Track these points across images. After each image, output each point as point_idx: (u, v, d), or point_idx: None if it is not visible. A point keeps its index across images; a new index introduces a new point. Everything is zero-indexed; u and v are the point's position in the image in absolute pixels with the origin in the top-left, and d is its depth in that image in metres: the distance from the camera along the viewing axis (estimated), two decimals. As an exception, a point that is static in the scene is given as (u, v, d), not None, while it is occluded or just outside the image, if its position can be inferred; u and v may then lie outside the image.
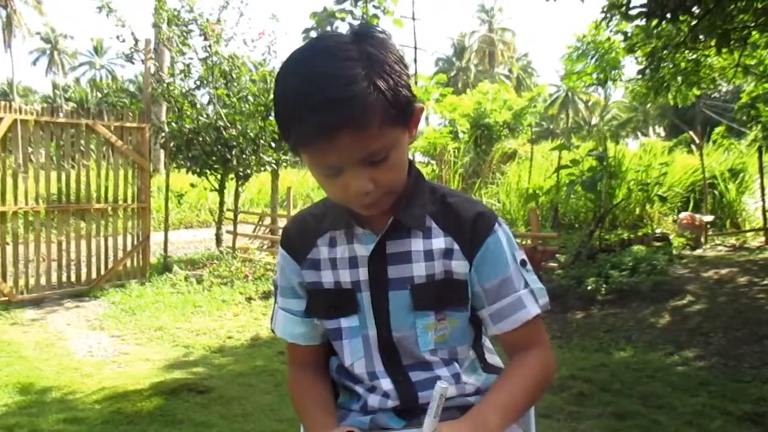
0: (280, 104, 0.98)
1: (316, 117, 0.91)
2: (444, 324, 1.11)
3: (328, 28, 5.79)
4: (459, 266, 1.10)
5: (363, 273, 1.11)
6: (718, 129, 13.98)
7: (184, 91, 7.69)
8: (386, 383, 1.12)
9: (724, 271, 6.29)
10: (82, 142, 6.71)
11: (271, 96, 7.67)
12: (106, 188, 6.87)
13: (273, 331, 1.24)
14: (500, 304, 1.11)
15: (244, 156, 7.80)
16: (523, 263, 1.13)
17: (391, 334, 1.11)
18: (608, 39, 9.61)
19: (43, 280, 6.37)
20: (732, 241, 8.62)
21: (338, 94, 0.90)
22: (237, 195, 8.55)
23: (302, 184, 16.39)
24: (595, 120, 43.47)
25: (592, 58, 10.55)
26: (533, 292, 1.12)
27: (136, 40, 7.42)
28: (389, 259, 1.10)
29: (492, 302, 1.11)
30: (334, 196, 1.04)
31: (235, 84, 7.69)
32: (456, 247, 1.10)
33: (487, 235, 1.10)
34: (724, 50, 6.56)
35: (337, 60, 0.93)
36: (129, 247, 7.04)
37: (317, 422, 1.11)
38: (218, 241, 8.47)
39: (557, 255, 6.70)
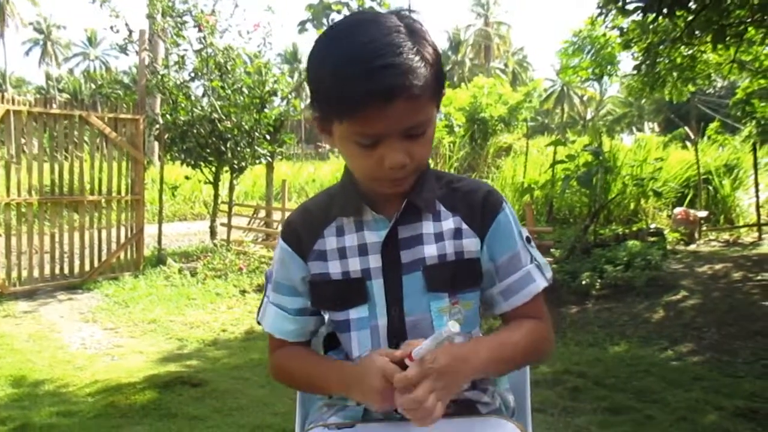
0: (328, 70, 0.96)
1: (376, 81, 0.91)
2: (458, 308, 1.11)
3: (324, 21, 5.76)
4: (470, 244, 1.11)
5: (374, 260, 1.10)
6: (713, 125, 14.01)
7: (178, 82, 7.64)
8: None
9: (718, 267, 6.31)
10: (76, 133, 6.66)
11: (267, 88, 7.73)
12: (100, 180, 6.83)
13: (259, 323, 1.23)
14: (510, 279, 1.14)
15: (238, 148, 7.76)
16: (528, 239, 1.18)
17: (403, 321, 1.10)
18: (604, 34, 9.61)
19: (36, 273, 6.34)
20: (726, 236, 8.65)
21: (397, 60, 0.92)
22: (231, 187, 8.51)
23: (297, 177, 16.35)
24: (590, 115, 43.51)
25: (587, 53, 10.55)
26: (539, 266, 1.17)
27: (130, 31, 7.37)
28: (402, 244, 1.10)
29: (503, 278, 1.14)
30: (366, 170, 1.03)
31: (230, 76, 7.64)
32: (464, 226, 1.12)
33: (497, 212, 1.13)
34: (719, 46, 6.55)
35: (386, 29, 0.95)
36: (123, 240, 7.00)
37: (335, 366, 1.12)
38: (212, 233, 8.44)
39: (552, 249, 6.70)
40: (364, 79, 0.91)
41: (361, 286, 1.10)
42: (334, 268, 1.12)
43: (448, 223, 1.12)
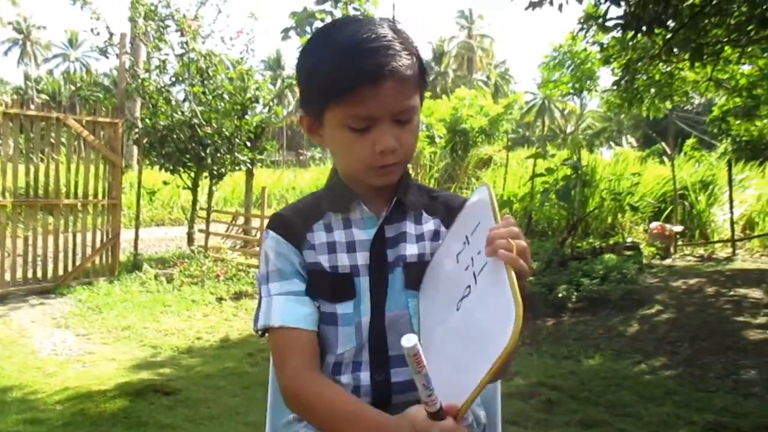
0: (319, 60, 1.03)
1: (366, 60, 0.98)
2: None
3: (308, 28, 5.76)
4: None
5: (362, 257, 1.12)
6: (690, 141, 14.25)
7: (159, 87, 7.59)
8: (365, 377, 1.09)
9: (692, 281, 6.39)
10: (53, 135, 6.57)
11: (248, 94, 7.70)
12: (76, 183, 6.74)
13: (259, 333, 1.10)
14: None
15: (218, 154, 7.71)
16: None
17: (384, 318, 1.10)
18: (584, 50, 9.76)
19: (7, 276, 6.22)
20: (701, 251, 8.77)
21: (385, 44, 1.00)
22: (210, 193, 8.45)
23: (277, 185, 16.27)
24: (570, 128, 43.96)
25: (568, 67, 10.71)
26: None
27: (111, 34, 7.31)
28: (388, 243, 1.13)
29: None
30: (357, 157, 1.06)
31: (211, 81, 7.60)
32: (443, 228, 1.17)
33: None
34: (697, 64, 6.68)
35: (372, 25, 1.03)
36: (98, 244, 6.91)
37: (380, 417, 0.98)
38: (190, 239, 8.36)
39: (530, 262, 6.73)
40: (354, 60, 0.99)
41: (350, 282, 1.11)
42: (324, 262, 1.12)
43: (429, 225, 1.17)
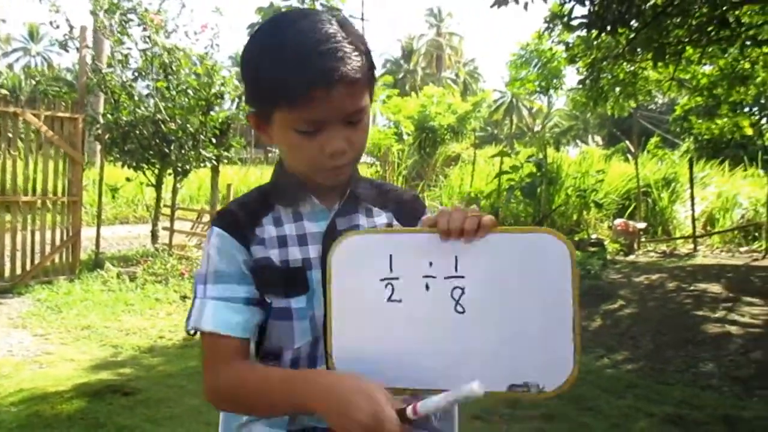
0: (268, 60, 0.98)
1: (317, 65, 0.95)
2: None
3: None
4: None
5: (314, 250, 1.10)
6: (653, 139, 14.51)
7: (122, 81, 7.43)
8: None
9: (654, 277, 6.51)
10: (11, 130, 6.39)
11: (213, 90, 7.60)
12: (35, 180, 6.57)
13: (190, 333, 1.09)
14: None
15: (183, 151, 7.59)
16: None
17: None
18: (550, 49, 9.84)
19: (-38, 275, 6.04)
20: (663, 247, 8.94)
21: (334, 46, 0.96)
22: (175, 191, 8.32)
23: (243, 182, 16.10)
24: (537, 127, 44.46)
25: (534, 66, 10.79)
26: None
27: (71, 27, 7.13)
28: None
29: None
30: (306, 160, 1.04)
31: (175, 77, 7.48)
32: (395, 222, 1.18)
33: (424, 212, 1.21)
34: (659, 64, 6.79)
35: (320, 23, 0.99)
36: (58, 242, 6.75)
37: (297, 372, 1.02)
38: (154, 237, 8.22)
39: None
40: (305, 64, 0.95)
41: (303, 275, 1.09)
42: (275, 256, 1.09)
43: (381, 218, 1.18)
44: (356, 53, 0.99)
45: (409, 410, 0.87)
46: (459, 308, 0.95)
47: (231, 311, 1.06)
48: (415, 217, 1.19)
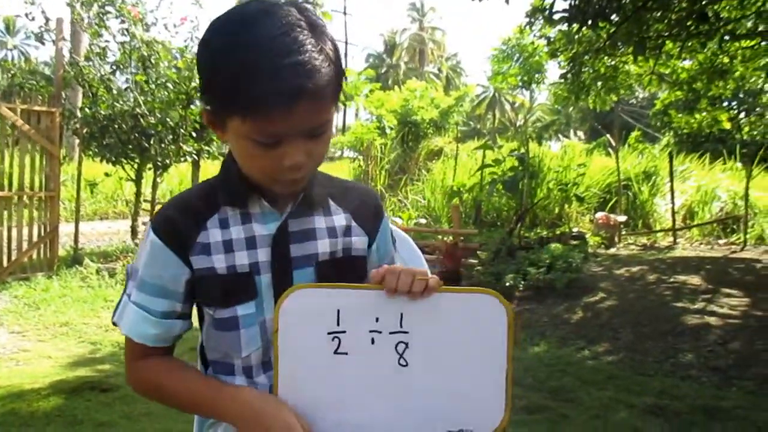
0: (230, 64, 0.90)
1: (283, 80, 0.87)
2: None
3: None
4: (359, 242, 1.13)
5: (263, 254, 1.05)
6: (634, 134, 14.63)
7: (100, 75, 7.32)
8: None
9: (635, 269, 6.56)
10: (-15, 125, 6.27)
11: (194, 84, 7.52)
12: (11, 175, 6.45)
13: (115, 324, 1.10)
14: None
15: (162, 145, 7.50)
16: (394, 240, 1.25)
17: None
18: (532, 43, 9.86)
19: (-63, 272, 5.93)
20: (644, 240, 9.02)
21: (303, 59, 0.88)
22: (155, 185, 8.23)
23: (227, 177, 15.89)
24: (520, 121, 44.64)
25: (516, 60, 10.81)
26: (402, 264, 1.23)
27: (47, 19, 7.01)
28: (292, 238, 1.07)
29: None
30: (262, 170, 0.98)
31: (154, 70, 7.38)
32: (354, 223, 1.13)
33: (383, 215, 1.20)
34: (640, 58, 6.83)
35: (288, 25, 0.90)
36: (35, 238, 6.64)
37: (229, 393, 1.02)
38: (134, 233, 8.13)
39: (478, 252, 6.80)
40: (270, 77, 0.87)
41: (249, 281, 1.05)
42: (219, 263, 1.04)
43: (340, 219, 1.13)
44: (326, 64, 0.91)
45: None
46: (402, 361, 1.01)
47: (147, 323, 1.06)
48: (375, 220, 1.17)
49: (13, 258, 6.48)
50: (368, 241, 1.15)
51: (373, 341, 1.00)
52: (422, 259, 1.52)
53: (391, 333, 1.00)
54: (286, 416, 0.96)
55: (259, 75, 0.87)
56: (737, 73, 8.17)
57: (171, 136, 7.49)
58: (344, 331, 1.00)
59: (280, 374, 1.00)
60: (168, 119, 7.31)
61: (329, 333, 1.00)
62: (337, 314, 1.00)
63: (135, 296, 1.07)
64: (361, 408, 1.01)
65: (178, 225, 1.05)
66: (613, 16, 5.93)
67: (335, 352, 1.00)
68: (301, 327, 1.00)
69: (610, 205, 10.09)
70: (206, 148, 8.24)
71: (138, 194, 8.09)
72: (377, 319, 1.00)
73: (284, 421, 0.95)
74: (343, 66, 1.01)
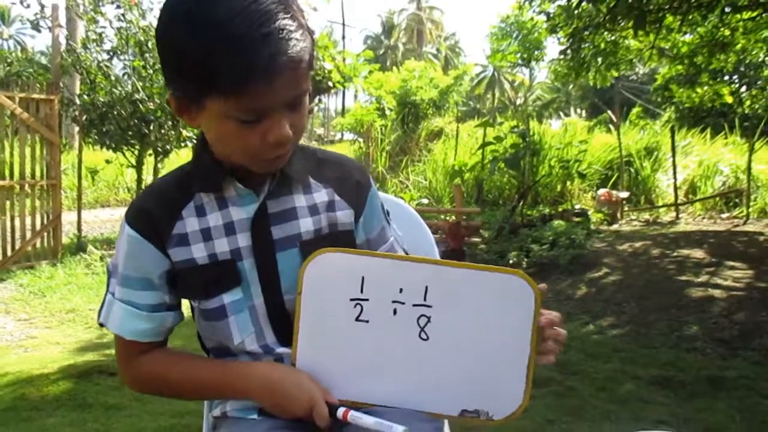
0: (199, 42, 0.84)
1: (261, 51, 0.83)
2: None
3: None
4: (344, 216, 1.09)
5: (243, 238, 1.02)
6: (635, 110, 14.56)
7: (97, 61, 7.29)
8: (282, 351, 1.05)
9: (638, 245, 6.56)
10: (-16, 114, 6.26)
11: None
12: (12, 164, 6.45)
13: (102, 325, 1.06)
14: (381, 251, 1.13)
15: (162, 131, 7.48)
16: (387, 212, 1.20)
17: (282, 300, 1.04)
18: (531, 19, 9.77)
19: (-58, 262, 5.95)
20: (646, 216, 9.02)
21: (278, 26, 0.84)
22: (156, 172, 8.21)
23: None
24: (520, 100, 44.44)
25: (515, 38, 10.73)
26: (396, 238, 1.19)
27: (42, 6, 6.96)
28: (272, 219, 1.03)
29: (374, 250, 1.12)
30: (245, 149, 0.93)
31: (151, 55, 7.34)
32: (337, 197, 1.09)
33: (370, 185, 1.14)
34: (640, 32, 6.78)
35: None
36: (38, 227, 6.66)
37: (231, 366, 1.03)
38: (137, 219, 8.13)
39: (481, 230, 6.80)
40: (245, 48, 0.83)
41: (232, 268, 1.02)
42: (199, 252, 1.01)
43: (321, 195, 1.08)
44: (300, 31, 0.87)
45: (340, 411, 0.95)
46: (423, 335, 1.00)
47: (137, 319, 1.04)
48: (360, 192, 1.11)
49: (17, 247, 6.50)
50: (354, 214, 1.10)
51: (395, 312, 0.99)
52: (431, 239, 1.50)
53: (414, 305, 0.99)
54: (305, 382, 0.97)
55: (238, 48, 0.83)
56: (738, 46, 8.11)
57: (171, 122, 7.47)
58: (367, 299, 0.99)
59: (300, 337, 1.00)
60: (167, 104, 7.27)
61: (352, 299, 0.99)
62: (361, 281, 0.99)
63: (119, 293, 1.04)
64: (377, 378, 1.01)
65: (153, 216, 1.02)
66: (613, -11, 5.87)
67: (356, 320, 0.99)
68: (324, 291, 1.00)
69: (612, 181, 10.08)
70: (206, 133, 8.21)
71: (139, 181, 8.08)
72: (401, 290, 0.99)
73: (306, 387, 0.97)
74: (314, 36, 0.97)
